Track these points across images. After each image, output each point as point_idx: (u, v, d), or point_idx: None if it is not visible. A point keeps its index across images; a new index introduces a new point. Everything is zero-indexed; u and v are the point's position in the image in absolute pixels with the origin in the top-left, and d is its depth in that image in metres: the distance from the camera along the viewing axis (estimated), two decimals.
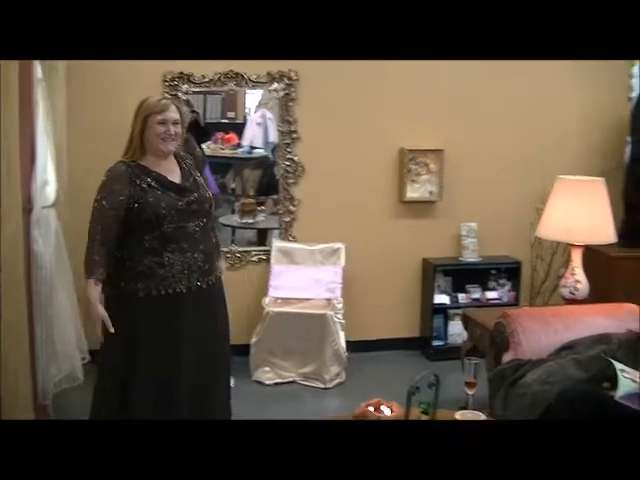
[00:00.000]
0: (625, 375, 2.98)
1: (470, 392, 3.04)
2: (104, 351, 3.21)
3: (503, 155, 5.49)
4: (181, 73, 4.94)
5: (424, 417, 2.39)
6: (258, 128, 5.50)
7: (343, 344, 4.85)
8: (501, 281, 5.52)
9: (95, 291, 3.10)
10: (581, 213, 4.21)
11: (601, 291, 4.55)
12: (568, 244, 4.44)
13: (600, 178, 4.35)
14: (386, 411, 2.59)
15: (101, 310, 3.11)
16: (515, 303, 5.43)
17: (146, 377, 3.14)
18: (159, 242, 3.12)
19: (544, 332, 3.80)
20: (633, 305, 4.01)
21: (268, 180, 5.44)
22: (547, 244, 5.37)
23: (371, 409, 2.60)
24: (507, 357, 3.77)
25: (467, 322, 4.60)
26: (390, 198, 5.39)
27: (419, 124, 5.33)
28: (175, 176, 3.24)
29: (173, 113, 3.18)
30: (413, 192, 5.36)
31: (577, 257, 4.36)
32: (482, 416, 3.01)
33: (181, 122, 3.24)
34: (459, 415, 2.96)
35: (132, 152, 3.17)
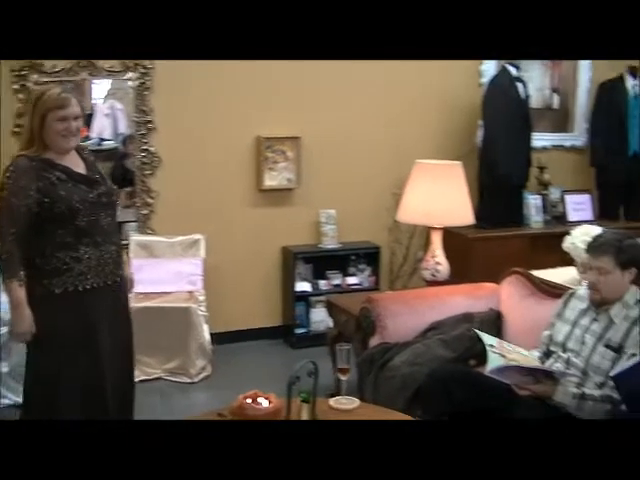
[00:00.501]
0: (494, 350, 3.04)
1: (343, 378, 3.04)
2: (28, 352, 3.07)
3: (360, 141, 5.53)
4: (31, 62, 4.68)
5: (305, 406, 2.35)
6: (106, 119, 5.32)
7: (207, 337, 4.78)
8: (361, 266, 5.57)
9: (21, 292, 2.92)
10: (440, 196, 4.30)
11: (460, 272, 4.67)
12: (428, 227, 4.51)
13: (457, 162, 4.46)
14: (264, 402, 2.54)
15: (29, 312, 2.94)
16: (375, 288, 5.49)
17: (70, 376, 3.00)
18: (73, 236, 2.97)
19: (409, 315, 3.86)
20: (492, 284, 4.13)
21: (121, 172, 5.26)
22: (405, 228, 5.46)
23: (249, 401, 2.53)
24: (374, 341, 3.81)
25: (331, 309, 4.60)
26: (248, 187, 5.32)
27: (275, 112, 5.29)
28: (81, 168, 3.09)
29: (74, 107, 3.00)
30: (271, 180, 5.31)
31: (437, 240, 4.45)
32: (356, 401, 3.02)
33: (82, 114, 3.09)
34: (333, 402, 2.95)
35: (33, 146, 2.98)
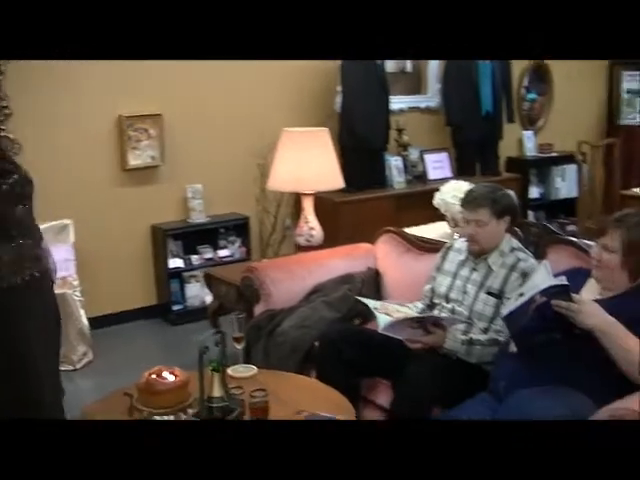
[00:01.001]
0: (379, 311, 3.12)
1: (239, 347, 3.05)
2: None
3: (222, 115, 5.49)
4: None
5: (216, 375, 2.34)
6: None
7: (85, 322, 4.66)
8: (231, 238, 5.57)
9: None
10: (309, 162, 4.33)
11: (331, 236, 4.74)
12: (296, 194, 4.54)
13: (324, 128, 4.50)
14: (169, 377, 2.51)
15: None
16: (247, 258, 5.50)
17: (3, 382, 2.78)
18: None
19: (291, 280, 3.90)
20: (367, 244, 4.23)
21: None
22: (272, 197, 5.48)
23: (154, 377, 2.50)
24: (259, 309, 3.83)
25: (210, 281, 4.58)
26: (112, 167, 5.19)
27: (135, 90, 5.17)
28: None
29: None
30: (135, 159, 5.20)
31: (309, 205, 4.49)
32: (254, 368, 3.04)
33: None
34: (231, 371, 2.95)
35: None
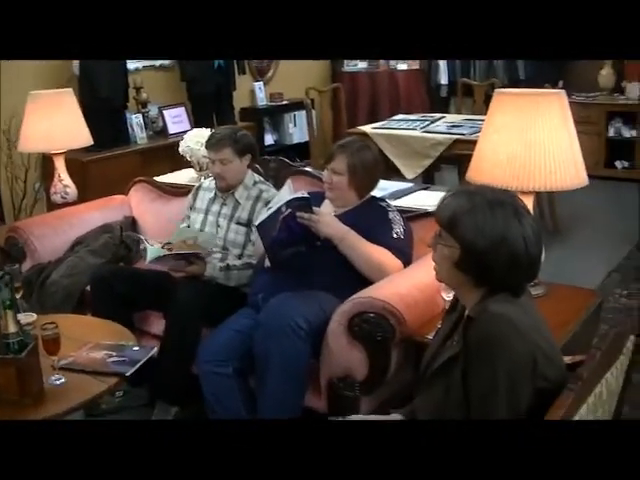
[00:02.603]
0: (150, 244, 3.44)
1: (17, 296, 3.23)
2: None
3: None
4: None
5: (9, 312, 2.52)
6: None
7: None
8: None
9: None
10: (57, 123, 4.51)
11: (83, 193, 4.93)
12: (49, 155, 4.70)
13: (68, 89, 4.70)
14: None
15: None
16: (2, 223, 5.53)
17: None
18: None
19: (54, 235, 4.11)
20: (121, 195, 4.52)
21: None
22: (19, 162, 5.55)
23: None
24: (27, 265, 4.00)
25: None
26: None
27: None
28: None
29: None
30: None
31: (61, 164, 4.68)
32: (34, 315, 3.24)
33: None
34: None
35: None
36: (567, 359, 1.95)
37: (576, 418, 1.66)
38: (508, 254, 1.82)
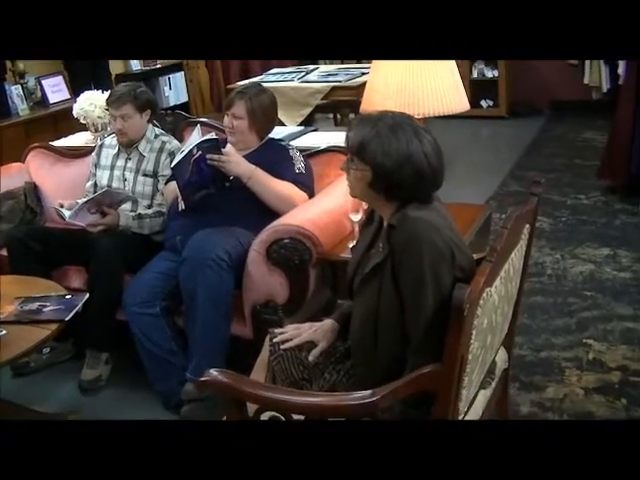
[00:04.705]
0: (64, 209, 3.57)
1: None
2: None
3: None
4: None
5: None
6: None
7: None
8: None
9: None
10: None
11: None
12: None
13: None
14: None
15: None
16: None
17: None
18: None
19: None
20: (18, 163, 4.54)
21: None
22: None
23: None
24: None
25: None
26: None
27: None
28: None
29: None
30: None
31: None
32: None
33: None
34: None
35: None
36: (474, 256, 2.23)
37: (491, 290, 1.94)
38: (413, 170, 2.05)
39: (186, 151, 3.20)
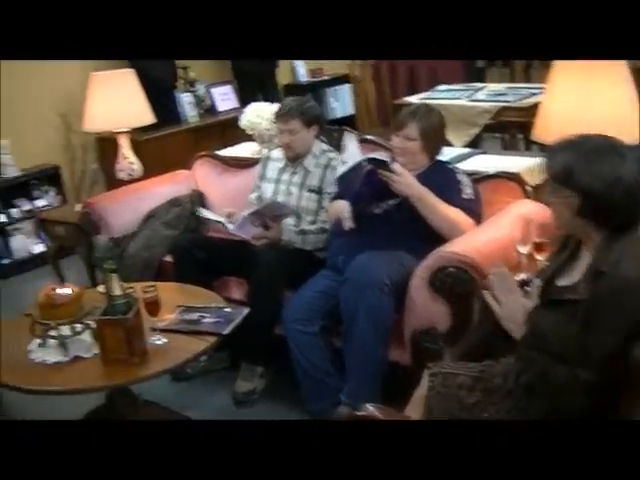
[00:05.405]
0: (210, 216, 3.60)
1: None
2: None
3: (20, 69, 5.43)
4: None
5: (114, 276, 2.65)
6: None
7: None
8: (44, 188, 5.72)
9: None
10: (122, 102, 4.64)
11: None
12: (114, 133, 4.83)
13: (130, 69, 4.82)
14: (66, 290, 2.81)
15: None
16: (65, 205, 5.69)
17: None
18: None
19: (125, 209, 4.24)
20: (185, 170, 4.65)
21: None
22: (77, 143, 5.69)
23: (52, 292, 2.79)
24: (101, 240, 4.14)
25: (45, 226, 4.82)
26: None
27: None
28: None
29: None
30: None
31: (125, 142, 4.82)
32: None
33: None
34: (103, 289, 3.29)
35: None
36: None
37: None
38: (623, 191, 1.95)
39: (352, 162, 3.16)
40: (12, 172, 5.54)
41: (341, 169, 3.25)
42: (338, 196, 3.45)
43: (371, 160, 3.15)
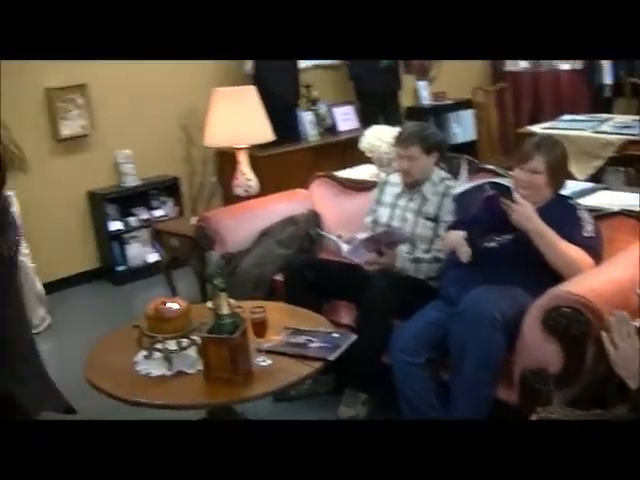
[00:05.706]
0: (331, 236, 3.55)
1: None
2: None
3: (145, 82, 5.71)
4: None
5: (222, 294, 2.63)
6: None
7: (41, 287, 4.86)
8: (162, 199, 5.83)
9: None
10: (241, 118, 4.67)
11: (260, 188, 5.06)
12: (233, 149, 4.86)
13: (251, 86, 4.86)
14: (175, 305, 2.82)
15: None
16: (181, 217, 5.78)
17: None
18: None
19: (241, 225, 4.26)
20: (303, 190, 4.63)
21: None
22: (196, 156, 5.77)
23: (162, 305, 2.81)
24: (214, 256, 4.16)
25: (160, 236, 4.88)
26: (45, 139, 5.37)
27: (57, 62, 5.29)
28: None
29: None
30: (66, 129, 5.39)
31: (244, 159, 4.84)
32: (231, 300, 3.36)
33: None
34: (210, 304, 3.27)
35: None
36: None
37: None
38: None
39: (473, 183, 3.07)
40: (132, 181, 5.66)
41: (460, 188, 3.15)
42: (454, 218, 3.37)
43: (493, 185, 3.04)
